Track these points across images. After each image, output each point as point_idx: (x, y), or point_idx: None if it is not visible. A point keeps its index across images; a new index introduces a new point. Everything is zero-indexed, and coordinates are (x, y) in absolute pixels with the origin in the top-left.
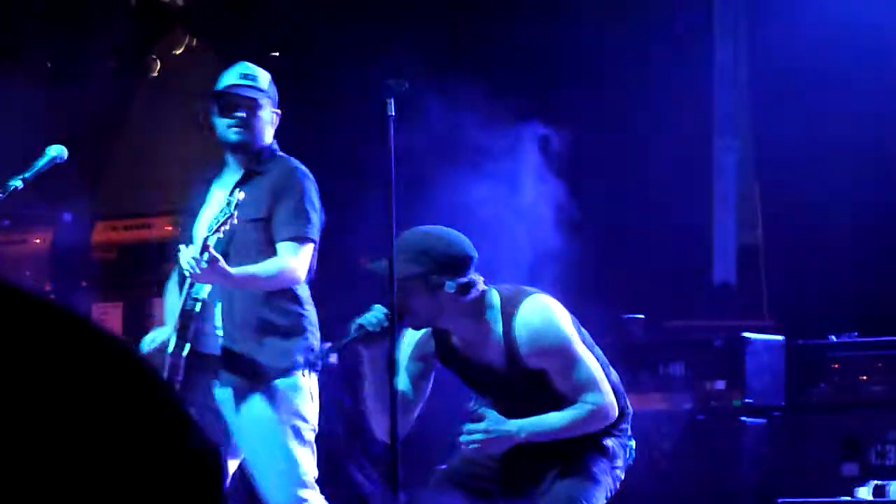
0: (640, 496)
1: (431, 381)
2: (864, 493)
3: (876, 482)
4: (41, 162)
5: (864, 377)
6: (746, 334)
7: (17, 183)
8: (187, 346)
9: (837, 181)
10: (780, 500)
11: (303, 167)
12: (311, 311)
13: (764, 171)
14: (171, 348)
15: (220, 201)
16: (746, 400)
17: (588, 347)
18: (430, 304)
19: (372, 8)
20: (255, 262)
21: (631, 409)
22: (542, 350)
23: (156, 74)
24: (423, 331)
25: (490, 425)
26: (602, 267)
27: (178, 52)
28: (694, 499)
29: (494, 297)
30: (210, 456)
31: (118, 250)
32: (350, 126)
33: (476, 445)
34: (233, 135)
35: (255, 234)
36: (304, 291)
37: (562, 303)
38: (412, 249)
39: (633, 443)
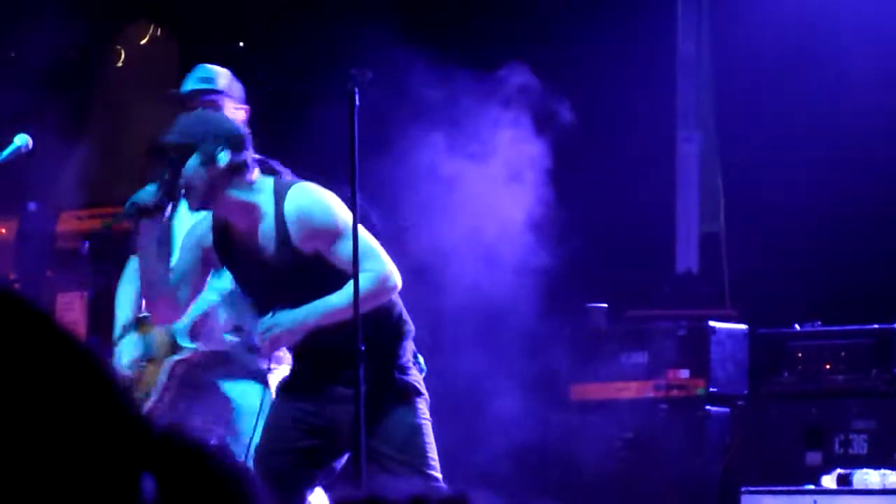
0: (602, 485)
1: (207, 277)
2: (829, 481)
3: (840, 471)
4: (6, 151)
5: (828, 366)
6: (710, 323)
7: None
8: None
9: (798, 171)
10: (743, 489)
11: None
12: None
13: (726, 161)
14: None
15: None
16: (710, 389)
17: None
18: (203, 179)
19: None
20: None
21: (412, 328)
22: (311, 226)
23: (120, 65)
24: (204, 219)
25: (276, 318)
26: (564, 256)
27: (143, 42)
28: (657, 487)
29: (268, 183)
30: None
31: (83, 240)
32: (316, 114)
33: (268, 338)
34: None
35: None
36: None
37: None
38: (189, 122)
39: (421, 359)
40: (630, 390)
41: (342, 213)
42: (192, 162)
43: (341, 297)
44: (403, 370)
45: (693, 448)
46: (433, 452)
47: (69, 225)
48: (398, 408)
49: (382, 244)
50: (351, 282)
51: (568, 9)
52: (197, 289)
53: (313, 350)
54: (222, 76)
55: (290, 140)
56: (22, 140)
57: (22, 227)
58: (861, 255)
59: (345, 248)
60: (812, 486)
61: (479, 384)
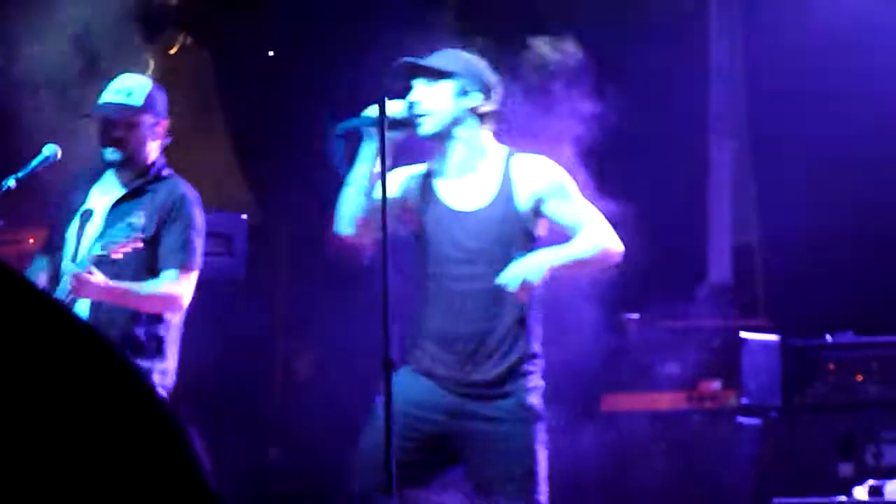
0: (634, 495)
1: (408, 219)
2: (861, 492)
3: (872, 482)
4: (35, 162)
5: (860, 377)
6: (743, 334)
7: (11, 183)
8: None
9: (834, 180)
10: (775, 501)
11: (190, 193)
12: (174, 336)
13: (760, 169)
14: None
15: (103, 212)
16: (742, 400)
17: None
18: (451, 108)
19: (366, 4)
20: (133, 279)
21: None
22: (539, 181)
23: (150, 74)
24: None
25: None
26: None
27: (173, 51)
28: (689, 499)
29: (501, 147)
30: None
31: None
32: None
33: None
34: (109, 154)
35: (135, 252)
36: (173, 317)
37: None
38: (460, 54)
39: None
40: (662, 401)
41: (573, 181)
42: (444, 89)
43: (586, 244)
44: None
45: (725, 459)
46: (544, 482)
47: None
48: (525, 431)
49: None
50: (586, 231)
51: (599, 15)
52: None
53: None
54: (141, 88)
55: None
56: (50, 150)
57: None
58: (894, 265)
59: (572, 207)
60: (844, 498)
61: None
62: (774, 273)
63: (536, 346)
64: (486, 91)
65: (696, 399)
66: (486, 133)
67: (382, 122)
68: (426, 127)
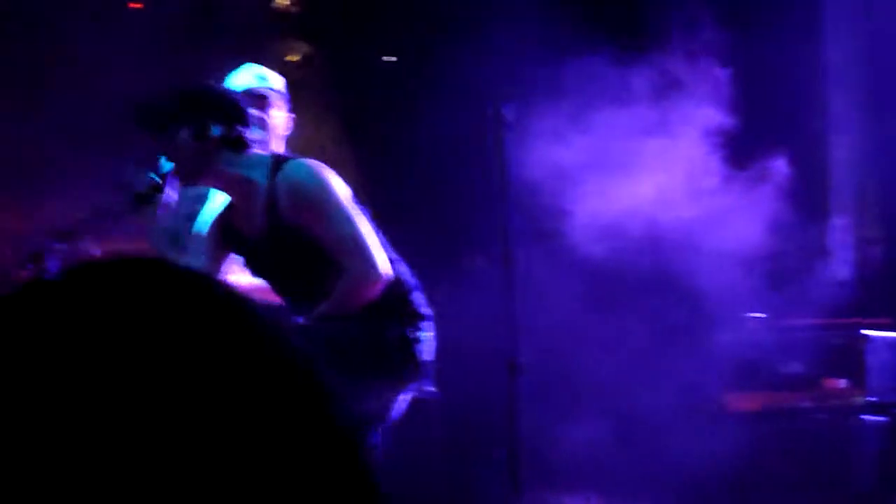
0: (758, 494)
1: (224, 258)
2: None
3: None
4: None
5: None
6: (866, 331)
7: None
8: None
9: None
10: None
11: None
12: None
13: (880, 167)
14: None
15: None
16: (867, 398)
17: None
18: (197, 154)
19: (487, 13)
20: None
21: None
22: (302, 198)
23: None
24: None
25: None
26: (720, 264)
27: (292, 59)
28: (814, 498)
29: (267, 158)
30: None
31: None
32: (464, 131)
33: None
34: (249, 133)
35: None
36: None
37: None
38: (185, 95)
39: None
40: (787, 400)
41: (339, 193)
42: (182, 136)
43: (333, 306)
44: None
45: (850, 458)
46: None
47: None
48: None
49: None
50: (337, 287)
51: (708, 12)
52: (216, 270)
53: None
54: (275, 77)
55: (437, 145)
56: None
57: None
58: None
59: (331, 230)
60: None
61: (636, 391)
62: None
63: None
64: (228, 117)
65: (821, 397)
66: (245, 154)
67: (140, 200)
68: (181, 180)
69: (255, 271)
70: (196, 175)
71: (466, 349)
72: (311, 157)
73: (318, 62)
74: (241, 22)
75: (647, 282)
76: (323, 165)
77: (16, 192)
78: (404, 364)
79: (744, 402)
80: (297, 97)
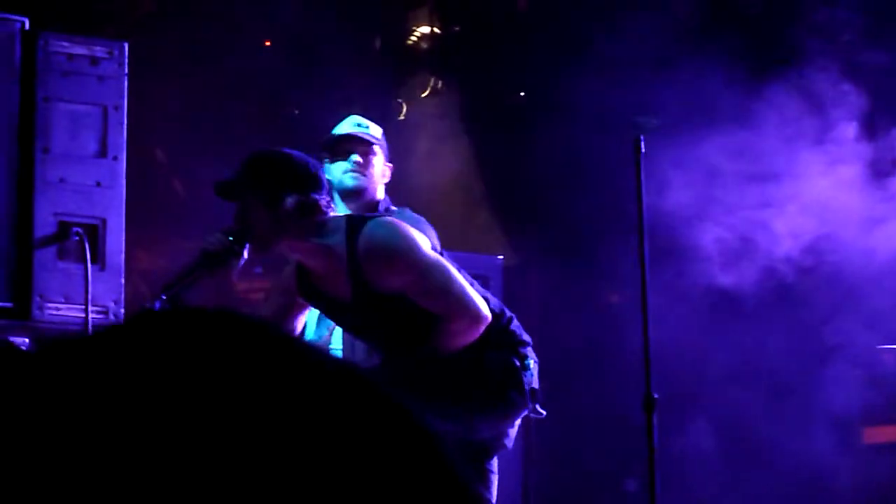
0: None
1: (300, 321)
2: None
3: None
4: None
5: None
6: None
7: None
8: None
9: None
10: None
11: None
12: None
13: None
14: None
15: None
16: None
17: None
18: (269, 222)
19: (617, 44)
20: None
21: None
22: (386, 259)
23: (402, 118)
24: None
25: None
26: (851, 293)
27: (424, 94)
28: None
29: (341, 221)
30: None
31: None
32: (597, 163)
33: None
34: (349, 180)
35: None
36: None
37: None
38: (255, 162)
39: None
40: None
41: (421, 246)
42: (254, 202)
43: (434, 350)
44: None
45: None
46: None
47: None
48: None
49: None
50: (434, 335)
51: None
52: (296, 327)
53: None
54: (376, 128)
55: (572, 178)
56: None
57: None
58: None
59: (422, 286)
60: None
61: (772, 422)
62: None
63: None
64: (300, 185)
65: None
66: (319, 222)
67: (210, 261)
68: (255, 249)
69: (348, 331)
70: (268, 244)
71: (602, 382)
72: (443, 192)
73: (450, 97)
74: (371, 59)
75: (783, 311)
76: (398, 221)
77: (151, 230)
78: (513, 393)
79: (882, 434)
80: (429, 130)
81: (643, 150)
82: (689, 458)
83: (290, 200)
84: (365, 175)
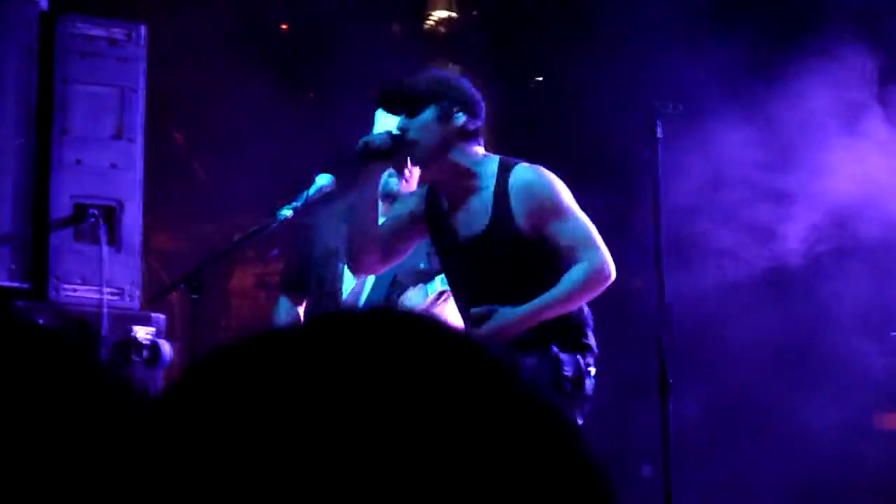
0: None
1: (411, 242)
2: None
3: None
4: (310, 191)
5: None
6: None
7: (288, 212)
8: None
9: None
10: None
11: None
12: None
13: None
14: None
15: None
16: None
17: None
18: (436, 135)
19: (638, 30)
20: None
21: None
22: (536, 201)
23: None
24: (418, 191)
25: (500, 312)
26: (814, 281)
27: None
28: None
29: (493, 159)
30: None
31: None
32: (615, 151)
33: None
34: (394, 185)
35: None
36: None
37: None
38: (435, 76)
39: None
40: None
41: (567, 195)
42: (427, 115)
43: (561, 291)
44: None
45: None
46: None
47: None
48: None
49: None
50: (568, 273)
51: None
52: (401, 253)
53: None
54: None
55: (587, 166)
56: (325, 179)
57: None
58: None
59: (566, 228)
60: None
61: (788, 407)
62: None
63: None
64: (470, 108)
65: None
66: (475, 150)
67: (366, 153)
68: (415, 159)
69: (456, 271)
70: (431, 157)
71: (618, 369)
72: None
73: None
74: (389, 44)
75: (801, 302)
76: (546, 170)
77: (170, 212)
78: (577, 392)
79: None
80: None
81: (659, 135)
82: (703, 442)
83: (461, 119)
84: (408, 182)
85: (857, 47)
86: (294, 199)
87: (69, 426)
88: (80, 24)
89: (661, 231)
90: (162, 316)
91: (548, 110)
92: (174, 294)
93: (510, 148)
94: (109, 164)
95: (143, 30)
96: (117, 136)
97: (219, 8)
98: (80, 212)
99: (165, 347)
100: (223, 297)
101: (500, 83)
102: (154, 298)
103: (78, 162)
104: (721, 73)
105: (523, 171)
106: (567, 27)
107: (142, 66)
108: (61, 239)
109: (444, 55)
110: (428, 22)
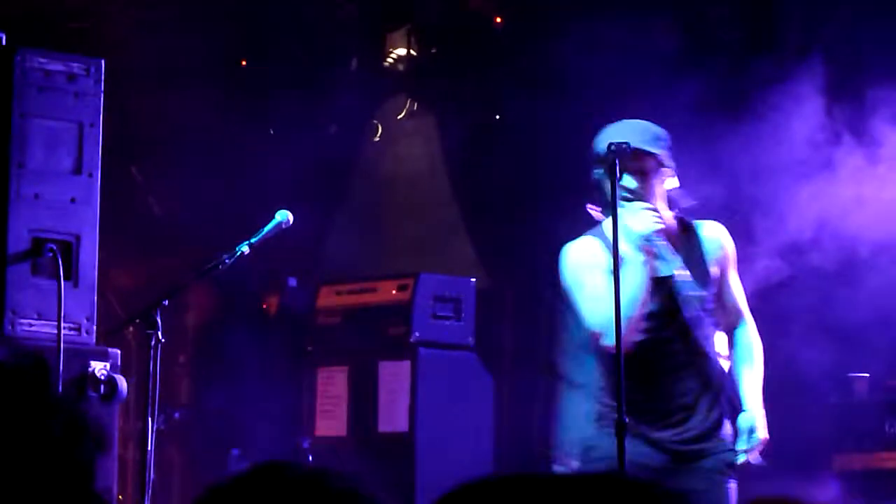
0: None
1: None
2: None
3: None
4: (268, 227)
5: None
6: None
7: (244, 248)
8: None
9: None
10: None
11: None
12: None
13: None
14: None
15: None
16: None
17: None
18: (650, 183)
19: (595, 71)
20: None
21: None
22: (728, 252)
23: (377, 139)
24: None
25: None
26: (822, 322)
27: (400, 116)
28: None
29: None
30: None
31: (342, 314)
32: (574, 187)
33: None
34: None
35: None
36: None
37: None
38: (653, 130)
39: None
40: (894, 460)
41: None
42: (651, 165)
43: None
44: None
45: None
46: None
47: (328, 300)
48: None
49: None
50: (755, 349)
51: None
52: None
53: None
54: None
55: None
56: (283, 216)
57: (283, 303)
58: None
59: (738, 281)
60: None
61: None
62: None
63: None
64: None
65: None
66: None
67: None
68: (662, 227)
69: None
70: (654, 199)
71: None
72: (418, 214)
73: (426, 119)
74: (350, 80)
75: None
76: None
77: (129, 250)
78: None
79: (851, 462)
80: (405, 152)
81: (618, 176)
82: None
83: (665, 172)
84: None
85: (815, 82)
86: (251, 235)
87: (26, 460)
88: (38, 59)
89: (618, 259)
90: (118, 351)
91: (506, 147)
92: (130, 329)
93: (468, 186)
94: (69, 198)
95: (101, 64)
96: (76, 171)
97: (179, 42)
98: (37, 246)
99: (122, 383)
100: (180, 333)
101: (458, 120)
102: (110, 333)
103: (36, 196)
104: (676, 117)
105: (712, 225)
106: (525, 66)
107: (100, 101)
108: (18, 273)
109: (403, 92)
110: (388, 59)
